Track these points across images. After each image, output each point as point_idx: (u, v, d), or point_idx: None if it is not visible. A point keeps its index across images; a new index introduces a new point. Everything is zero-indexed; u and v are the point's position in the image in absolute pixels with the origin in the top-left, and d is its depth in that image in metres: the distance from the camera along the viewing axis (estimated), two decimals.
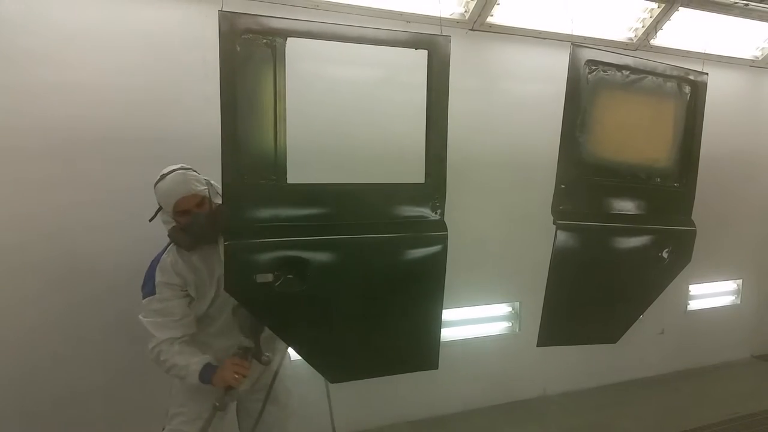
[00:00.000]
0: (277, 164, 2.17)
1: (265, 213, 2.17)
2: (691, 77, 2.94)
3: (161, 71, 3.30)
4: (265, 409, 2.75)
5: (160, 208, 2.63)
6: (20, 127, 3.04)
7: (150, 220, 2.65)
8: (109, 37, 3.17)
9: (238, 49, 2.04)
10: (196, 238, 2.55)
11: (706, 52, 4.75)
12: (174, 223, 2.58)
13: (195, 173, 2.63)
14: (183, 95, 3.33)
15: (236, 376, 2.47)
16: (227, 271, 2.13)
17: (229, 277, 2.13)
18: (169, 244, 2.65)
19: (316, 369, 2.35)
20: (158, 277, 2.58)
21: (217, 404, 2.53)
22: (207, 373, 2.51)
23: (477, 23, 3.97)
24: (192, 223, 2.53)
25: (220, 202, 2.54)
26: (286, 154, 2.18)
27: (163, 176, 2.59)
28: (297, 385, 2.95)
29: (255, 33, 2.07)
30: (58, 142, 3.11)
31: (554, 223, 2.67)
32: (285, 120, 2.15)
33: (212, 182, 2.65)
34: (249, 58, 2.07)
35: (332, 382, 2.43)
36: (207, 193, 2.59)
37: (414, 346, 2.52)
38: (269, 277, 2.16)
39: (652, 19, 4.36)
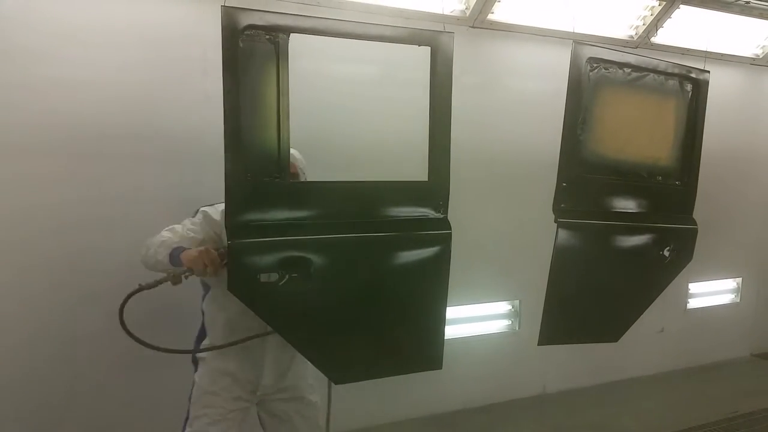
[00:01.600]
0: (281, 162, 2.15)
1: (269, 211, 2.15)
2: (693, 75, 2.93)
3: (161, 67, 3.29)
4: (292, 407, 2.71)
5: None
6: (20, 124, 3.02)
7: None
8: (110, 34, 3.15)
9: (241, 44, 2.02)
10: None
11: (707, 50, 4.75)
12: None
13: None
14: (184, 92, 3.32)
15: (204, 264, 2.28)
16: (231, 271, 2.11)
17: (232, 277, 2.12)
18: None
19: (320, 370, 2.34)
20: (206, 209, 2.57)
21: (169, 274, 2.30)
22: (177, 252, 2.36)
23: (478, 20, 3.96)
24: None
25: None
26: (289, 151, 2.17)
27: None
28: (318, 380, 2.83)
29: (258, 29, 2.05)
30: (59, 138, 3.09)
31: (555, 221, 2.66)
32: (288, 117, 2.14)
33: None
34: (252, 54, 2.05)
35: (336, 384, 2.40)
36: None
37: (418, 345, 2.50)
38: (274, 277, 2.15)
39: (653, 17, 4.36)
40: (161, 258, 2.38)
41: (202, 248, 2.32)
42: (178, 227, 2.52)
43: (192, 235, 2.50)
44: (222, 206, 2.42)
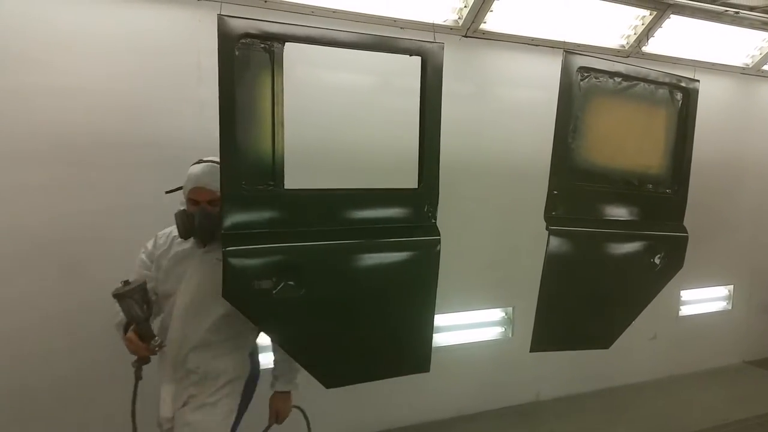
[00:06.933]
0: (275, 170, 2.18)
1: (263, 219, 2.18)
2: (683, 84, 2.96)
3: (156, 76, 3.30)
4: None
5: (181, 187, 2.62)
6: (12, 132, 3.04)
7: (166, 192, 2.65)
8: (103, 42, 3.17)
9: (237, 53, 2.05)
10: (191, 231, 2.50)
11: (697, 59, 4.80)
12: (185, 207, 2.57)
13: None
14: (178, 100, 3.34)
15: (137, 355, 2.41)
16: (225, 278, 2.13)
17: (227, 284, 2.14)
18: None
19: (312, 375, 2.36)
20: (148, 241, 2.68)
21: (135, 368, 2.47)
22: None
23: (470, 30, 4.00)
24: (194, 215, 2.49)
25: None
26: (283, 159, 2.19)
27: (201, 161, 2.59)
28: None
29: (253, 37, 2.08)
30: (52, 146, 3.11)
31: (547, 229, 2.68)
32: (283, 125, 2.16)
33: None
34: (247, 63, 2.08)
35: (327, 388, 2.42)
36: None
37: (407, 349, 2.53)
38: (268, 284, 2.17)
39: (643, 27, 4.40)
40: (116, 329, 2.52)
41: (128, 336, 2.38)
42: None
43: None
44: (166, 230, 2.65)
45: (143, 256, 2.64)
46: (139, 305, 2.36)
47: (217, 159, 2.49)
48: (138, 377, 2.46)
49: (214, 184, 2.44)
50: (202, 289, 2.50)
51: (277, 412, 2.74)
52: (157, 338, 2.38)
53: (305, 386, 2.73)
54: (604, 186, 2.87)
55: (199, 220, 2.47)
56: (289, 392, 2.74)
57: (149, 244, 2.65)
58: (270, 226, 2.18)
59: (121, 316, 2.43)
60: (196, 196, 2.50)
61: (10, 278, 3.10)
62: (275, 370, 2.72)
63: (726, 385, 5.44)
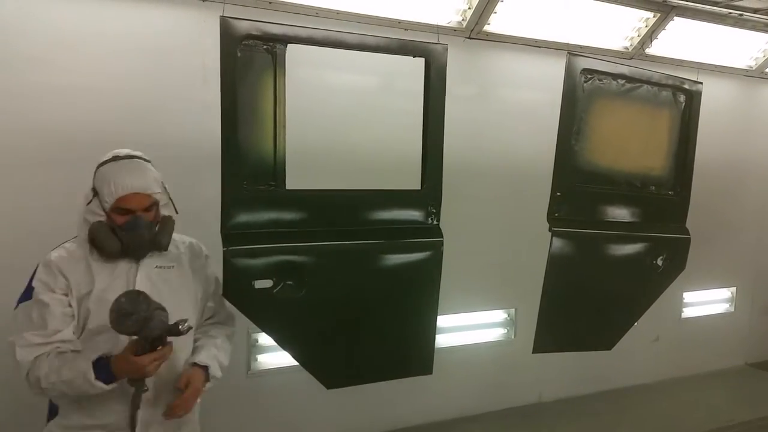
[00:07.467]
0: (277, 170, 2.19)
1: (264, 219, 2.18)
2: (686, 86, 2.97)
3: (160, 76, 3.31)
4: None
5: (95, 194, 2.06)
6: (15, 130, 3.03)
7: (87, 204, 2.10)
8: (108, 42, 3.17)
9: (239, 54, 2.06)
10: (125, 247, 2.03)
11: (701, 61, 4.80)
12: (102, 218, 2.03)
13: (153, 168, 2.15)
14: (182, 100, 3.34)
15: (154, 367, 1.89)
16: (226, 277, 2.14)
17: (227, 283, 2.15)
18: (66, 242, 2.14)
19: (313, 375, 2.36)
20: (38, 275, 2.05)
21: (145, 388, 1.94)
22: (104, 370, 1.89)
23: (474, 31, 4.00)
24: (131, 227, 2.01)
25: (169, 213, 2.17)
26: (285, 160, 2.20)
27: (117, 158, 2.09)
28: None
29: (256, 39, 2.09)
30: (54, 145, 3.11)
31: (550, 230, 2.69)
32: (285, 126, 2.18)
33: (166, 186, 2.19)
34: (249, 64, 2.09)
35: (328, 389, 2.42)
36: (160, 198, 2.13)
37: (409, 351, 2.54)
38: (268, 283, 2.17)
39: (647, 29, 4.40)
40: (89, 391, 1.91)
41: (149, 358, 1.86)
42: (28, 335, 1.99)
43: (46, 333, 1.98)
44: (58, 253, 2.11)
45: (52, 295, 2.01)
46: (163, 311, 1.88)
47: (136, 152, 2.14)
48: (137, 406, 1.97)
49: (153, 186, 2.08)
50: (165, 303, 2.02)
51: (188, 379, 2.06)
52: (182, 319, 1.91)
53: (306, 387, 2.73)
54: (607, 188, 2.88)
55: (141, 235, 2.03)
56: (206, 369, 2.13)
57: (46, 278, 2.04)
58: (271, 227, 2.19)
59: (91, 359, 1.90)
60: (128, 204, 2.02)
61: (12, 278, 3.10)
62: (203, 348, 2.20)
63: (729, 387, 5.44)
